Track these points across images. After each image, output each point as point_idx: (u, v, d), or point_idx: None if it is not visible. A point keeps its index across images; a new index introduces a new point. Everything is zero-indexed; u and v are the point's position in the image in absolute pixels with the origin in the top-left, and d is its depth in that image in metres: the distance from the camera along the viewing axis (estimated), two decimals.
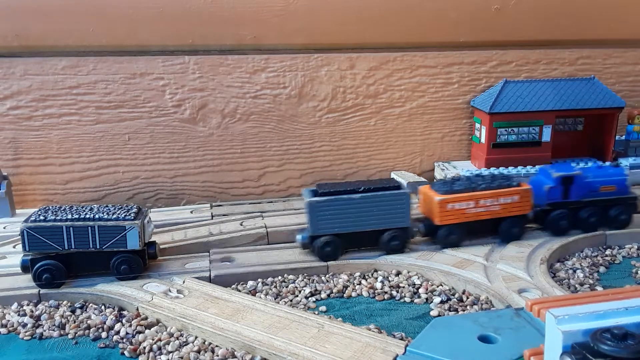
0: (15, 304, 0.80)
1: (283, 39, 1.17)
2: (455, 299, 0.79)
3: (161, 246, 0.93)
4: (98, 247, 0.82)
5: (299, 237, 0.90)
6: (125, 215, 0.82)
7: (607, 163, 1.02)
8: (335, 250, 0.88)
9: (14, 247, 0.95)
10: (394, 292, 0.82)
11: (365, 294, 0.83)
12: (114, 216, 0.82)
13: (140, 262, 0.84)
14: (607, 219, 0.95)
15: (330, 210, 0.86)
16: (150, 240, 0.88)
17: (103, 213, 0.83)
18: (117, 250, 0.82)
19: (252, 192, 1.23)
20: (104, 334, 0.73)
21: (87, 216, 0.81)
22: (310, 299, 0.81)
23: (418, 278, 0.86)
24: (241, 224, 1.04)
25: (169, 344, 0.69)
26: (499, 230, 0.93)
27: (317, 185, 0.90)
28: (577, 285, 0.83)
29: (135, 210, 0.84)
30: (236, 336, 0.68)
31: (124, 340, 0.71)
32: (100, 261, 0.83)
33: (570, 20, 1.27)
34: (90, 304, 0.80)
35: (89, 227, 0.81)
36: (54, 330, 0.74)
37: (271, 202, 1.20)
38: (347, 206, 0.87)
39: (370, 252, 0.91)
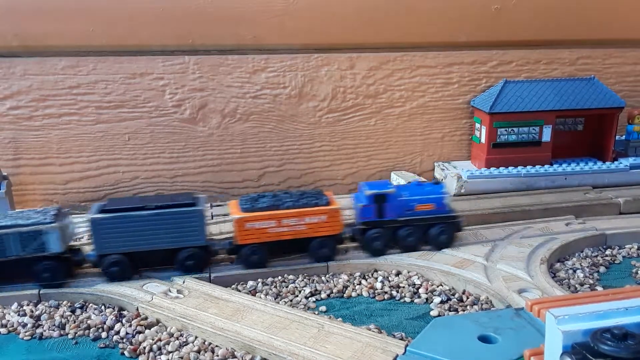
0: (15, 304, 0.80)
1: (283, 39, 1.17)
2: (455, 299, 0.80)
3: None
4: (18, 253, 0.79)
5: (89, 254, 0.84)
6: (42, 219, 0.80)
7: (432, 180, 0.99)
8: (124, 270, 0.83)
9: None
10: (394, 292, 0.82)
11: (365, 294, 0.83)
12: (31, 220, 0.79)
13: (64, 269, 0.82)
14: (427, 238, 0.92)
15: (117, 228, 0.81)
16: (75, 245, 0.86)
17: (19, 219, 0.80)
18: (38, 257, 0.80)
19: (252, 193, 1.23)
20: (104, 334, 0.73)
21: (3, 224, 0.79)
22: (310, 299, 0.81)
23: (418, 278, 0.86)
24: None
25: (169, 344, 0.69)
26: (308, 250, 0.88)
27: (109, 200, 0.87)
28: (577, 285, 0.83)
29: (53, 212, 0.82)
30: (236, 336, 0.68)
31: (124, 340, 0.71)
32: (22, 268, 0.81)
33: (570, 20, 1.27)
34: (90, 304, 0.80)
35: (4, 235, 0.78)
36: (54, 330, 0.74)
37: None
38: (135, 224, 0.82)
39: (168, 271, 0.86)
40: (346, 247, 0.93)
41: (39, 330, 0.74)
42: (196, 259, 0.85)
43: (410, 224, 0.91)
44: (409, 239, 0.91)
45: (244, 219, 0.85)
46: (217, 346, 0.69)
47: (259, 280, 0.86)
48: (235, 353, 0.67)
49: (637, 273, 0.88)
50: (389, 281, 0.85)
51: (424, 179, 1.19)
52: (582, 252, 0.95)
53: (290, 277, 0.87)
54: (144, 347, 0.69)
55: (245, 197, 0.90)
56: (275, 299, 0.81)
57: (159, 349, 0.69)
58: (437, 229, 0.91)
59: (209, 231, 0.89)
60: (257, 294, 0.82)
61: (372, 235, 0.90)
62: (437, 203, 0.91)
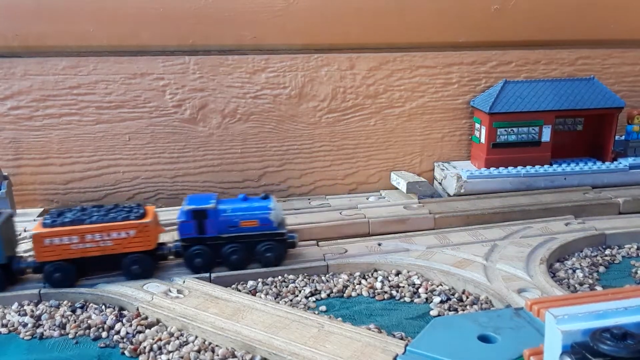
0: (16, 304, 0.80)
1: (283, 39, 1.17)
2: (455, 299, 0.80)
3: None
4: None
5: None
6: None
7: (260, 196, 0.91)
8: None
9: None
10: (394, 292, 0.82)
11: (365, 293, 0.83)
12: None
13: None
14: (255, 256, 0.88)
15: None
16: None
17: None
18: None
19: (252, 192, 1.23)
20: (104, 334, 0.73)
21: None
22: (310, 298, 0.81)
23: (418, 278, 0.86)
24: None
25: (169, 344, 0.69)
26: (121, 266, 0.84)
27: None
28: (576, 285, 0.83)
29: None
30: (236, 336, 0.68)
31: (125, 340, 0.71)
32: None
33: (570, 20, 1.27)
34: (91, 304, 0.80)
35: None
36: (54, 330, 0.74)
37: None
38: None
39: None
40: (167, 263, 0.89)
41: (39, 330, 0.74)
42: None
43: (235, 241, 0.86)
44: (232, 256, 0.86)
45: (41, 235, 0.80)
46: (217, 346, 0.69)
47: (259, 280, 0.86)
48: (236, 353, 0.67)
49: (636, 273, 0.88)
50: (389, 281, 0.86)
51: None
52: (581, 252, 0.95)
53: (291, 276, 0.87)
54: (145, 347, 0.69)
55: (52, 212, 0.85)
56: (275, 298, 0.81)
57: (160, 348, 0.69)
58: (263, 246, 0.87)
59: (15, 247, 0.86)
60: (257, 294, 0.82)
61: (193, 253, 0.86)
62: (261, 220, 0.87)
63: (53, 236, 0.80)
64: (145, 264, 0.84)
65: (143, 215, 0.84)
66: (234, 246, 0.86)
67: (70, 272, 0.82)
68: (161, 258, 0.88)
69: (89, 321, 0.75)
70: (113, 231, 0.82)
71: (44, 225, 0.81)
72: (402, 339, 0.69)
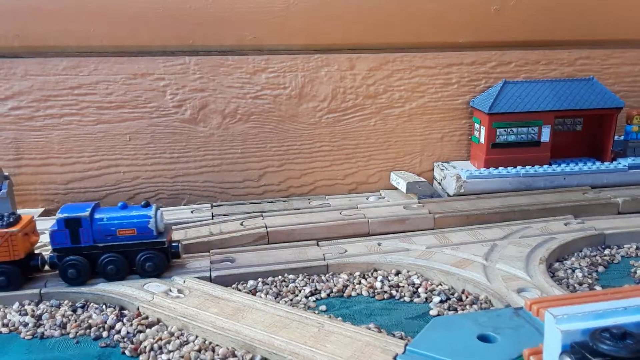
0: (17, 304, 0.80)
1: (283, 40, 1.17)
2: (454, 299, 0.80)
3: None
4: None
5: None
6: None
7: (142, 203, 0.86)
8: None
9: None
10: (394, 292, 0.83)
11: (365, 293, 0.83)
12: None
13: None
14: (135, 266, 0.84)
15: None
16: None
17: None
18: None
19: (252, 192, 1.24)
20: (105, 334, 0.73)
21: None
22: (310, 298, 0.82)
23: (417, 277, 0.86)
24: (241, 224, 1.04)
25: (169, 343, 0.69)
26: None
27: None
28: (576, 285, 0.83)
29: None
30: (236, 335, 0.69)
31: (125, 339, 0.72)
32: None
33: (569, 21, 1.27)
34: (91, 304, 0.80)
35: None
36: (55, 329, 0.74)
37: (271, 202, 1.20)
38: None
39: None
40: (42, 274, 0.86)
41: (40, 330, 0.74)
42: None
43: (112, 250, 0.83)
44: (109, 267, 0.83)
45: None
46: (217, 345, 0.69)
47: (259, 279, 0.86)
48: (236, 352, 0.67)
49: (635, 272, 0.89)
50: (389, 280, 0.86)
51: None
52: (580, 251, 0.95)
53: (291, 276, 0.87)
54: (145, 347, 0.69)
55: None
56: (275, 298, 0.81)
57: (160, 348, 0.69)
58: (142, 255, 0.84)
59: None
60: (257, 294, 0.82)
61: (67, 263, 0.82)
62: (139, 228, 0.83)
63: None
64: (12, 275, 0.81)
65: (12, 224, 0.81)
66: (111, 256, 0.83)
67: None
68: (35, 269, 0.84)
69: (89, 321, 0.75)
70: None
71: None
72: (402, 338, 0.69)
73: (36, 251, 0.87)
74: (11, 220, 0.81)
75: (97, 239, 0.83)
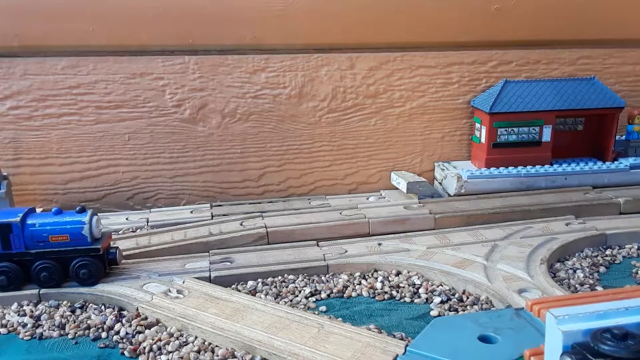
0: (15, 304, 0.80)
1: (283, 39, 1.17)
2: (455, 299, 0.80)
3: (162, 246, 0.93)
4: None
5: None
6: None
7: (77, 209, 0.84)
8: None
9: None
10: (394, 292, 0.82)
11: (365, 294, 0.83)
12: None
13: None
14: (70, 273, 0.82)
15: None
16: None
17: None
18: None
19: (252, 192, 1.23)
20: (104, 334, 0.73)
21: None
22: (310, 299, 0.81)
23: (418, 278, 0.86)
24: (241, 224, 1.04)
25: (169, 344, 0.69)
26: None
27: None
28: (577, 285, 0.83)
29: None
30: (236, 336, 0.68)
31: (124, 340, 0.71)
32: None
33: (570, 20, 1.27)
34: (90, 304, 0.80)
35: None
36: (53, 330, 0.74)
37: (271, 202, 1.20)
38: None
39: None
40: None
41: (39, 330, 0.74)
42: None
43: (45, 257, 0.81)
44: (42, 273, 0.81)
45: None
46: (217, 346, 0.69)
47: (259, 280, 0.86)
48: (235, 353, 0.67)
49: (637, 273, 0.88)
50: (389, 281, 0.85)
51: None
52: (582, 252, 0.95)
53: (290, 277, 0.87)
54: (144, 347, 0.69)
55: None
56: (275, 298, 0.81)
57: (159, 349, 0.69)
58: (76, 262, 0.82)
59: None
60: (257, 294, 0.82)
61: None
62: (72, 234, 0.81)
63: None
64: None
65: None
66: (44, 262, 0.81)
67: None
68: None
69: (88, 321, 0.75)
70: None
71: None
72: (402, 339, 0.69)
73: None
74: None
75: (29, 245, 0.81)
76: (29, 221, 0.82)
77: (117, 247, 0.87)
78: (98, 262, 0.83)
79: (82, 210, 0.83)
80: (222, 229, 1.02)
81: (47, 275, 0.82)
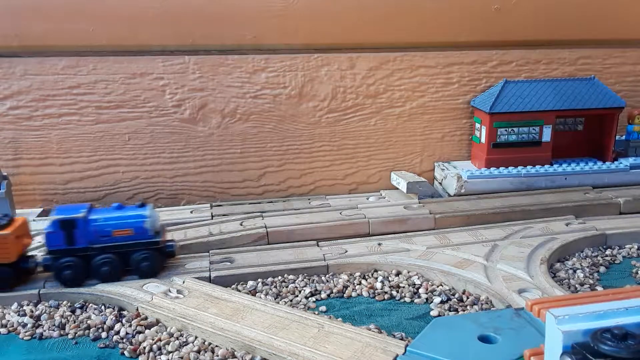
0: (15, 304, 0.80)
1: (283, 39, 1.17)
2: (455, 299, 0.80)
3: None
4: None
5: None
6: None
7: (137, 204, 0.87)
8: None
9: None
10: (394, 292, 0.82)
11: (365, 294, 0.83)
12: None
13: None
14: (131, 266, 0.84)
15: None
16: None
17: None
18: None
19: (252, 192, 1.23)
20: (104, 334, 0.73)
21: None
22: (310, 299, 0.81)
23: (418, 278, 0.86)
24: (241, 224, 1.04)
25: (169, 344, 0.69)
26: None
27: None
28: (577, 285, 0.83)
29: None
30: (236, 336, 0.68)
31: (124, 340, 0.71)
32: None
33: (570, 20, 1.27)
34: (90, 304, 0.80)
35: None
36: (53, 330, 0.74)
37: (271, 202, 1.20)
38: None
39: None
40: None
41: (39, 330, 0.74)
42: None
43: (108, 251, 0.83)
44: (103, 268, 0.83)
45: None
46: (217, 346, 0.69)
47: (259, 280, 0.86)
48: (235, 353, 0.67)
49: (637, 273, 0.88)
50: (389, 281, 0.85)
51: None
52: (582, 252, 0.95)
53: (290, 277, 0.87)
54: (144, 347, 0.69)
55: None
56: (275, 299, 0.81)
57: (159, 349, 0.69)
58: (138, 255, 0.83)
59: None
60: (257, 294, 0.82)
61: (62, 265, 0.82)
62: (135, 228, 0.83)
63: None
64: (2, 277, 0.80)
65: (4, 227, 0.81)
66: (106, 257, 0.83)
67: None
68: (27, 272, 0.84)
69: (88, 321, 0.75)
70: None
71: None
72: (402, 339, 0.69)
73: (31, 253, 0.86)
74: (4, 222, 0.81)
75: (92, 240, 0.83)
76: (92, 216, 0.83)
77: (173, 240, 0.89)
78: (159, 254, 0.85)
79: (143, 205, 0.85)
80: (222, 229, 1.02)
81: (109, 269, 0.83)
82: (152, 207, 0.85)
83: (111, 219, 0.83)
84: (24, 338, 0.73)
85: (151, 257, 0.84)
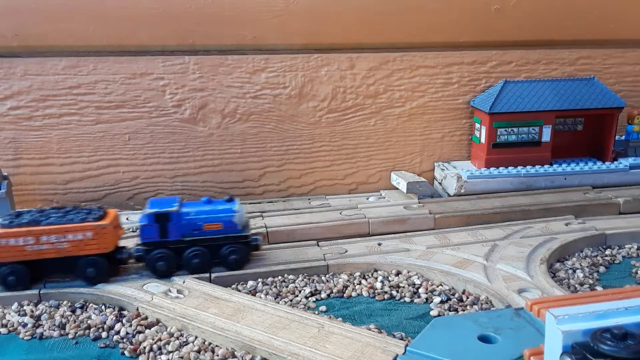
0: (16, 304, 0.80)
1: (283, 39, 1.17)
2: (455, 299, 0.80)
3: None
4: None
5: None
6: None
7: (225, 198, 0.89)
8: None
9: None
10: (394, 292, 0.82)
11: (365, 293, 0.83)
12: None
13: None
14: (219, 259, 0.86)
15: None
16: None
17: None
18: None
19: (252, 192, 1.23)
20: (104, 334, 0.73)
21: None
22: (310, 298, 0.81)
23: (418, 278, 0.86)
24: None
25: (169, 344, 0.69)
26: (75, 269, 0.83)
27: None
28: (577, 285, 0.83)
29: None
30: (236, 336, 0.68)
31: (124, 340, 0.71)
32: None
33: (570, 20, 1.27)
34: (91, 304, 0.80)
35: None
36: (54, 330, 0.74)
37: (271, 202, 1.20)
38: None
39: None
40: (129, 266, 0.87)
41: (39, 330, 0.74)
42: None
43: (198, 244, 0.85)
44: (194, 260, 0.85)
45: None
46: (217, 346, 0.69)
47: (259, 280, 0.86)
48: (236, 353, 0.67)
49: (636, 273, 0.88)
50: (389, 281, 0.85)
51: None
52: (581, 252, 0.95)
53: (291, 276, 0.87)
54: (144, 347, 0.69)
55: (10, 213, 0.85)
56: (275, 298, 0.81)
57: (159, 348, 0.69)
58: (227, 249, 0.86)
59: None
60: (257, 294, 0.82)
61: (156, 256, 0.84)
62: (225, 222, 0.86)
63: (8, 237, 0.79)
64: (101, 267, 0.82)
65: (101, 218, 0.83)
66: (197, 249, 0.85)
67: (24, 274, 0.81)
68: (120, 262, 0.86)
69: (88, 321, 0.75)
70: (69, 233, 0.80)
71: (1, 226, 0.80)
72: (402, 339, 0.69)
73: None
74: (100, 214, 0.84)
75: (184, 233, 0.85)
76: (184, 210, 0.85)
77: (258, 235, 0.91)
78: (246, 248, 0.87)
79: (231, 199, 0.88)
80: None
81: (199, 261, 0.85)
82: (238, 201, 0.88)
83: (202, 213, 0.86)
84: (24, 338, 0.73)
85: (239, 250, 0.87)
